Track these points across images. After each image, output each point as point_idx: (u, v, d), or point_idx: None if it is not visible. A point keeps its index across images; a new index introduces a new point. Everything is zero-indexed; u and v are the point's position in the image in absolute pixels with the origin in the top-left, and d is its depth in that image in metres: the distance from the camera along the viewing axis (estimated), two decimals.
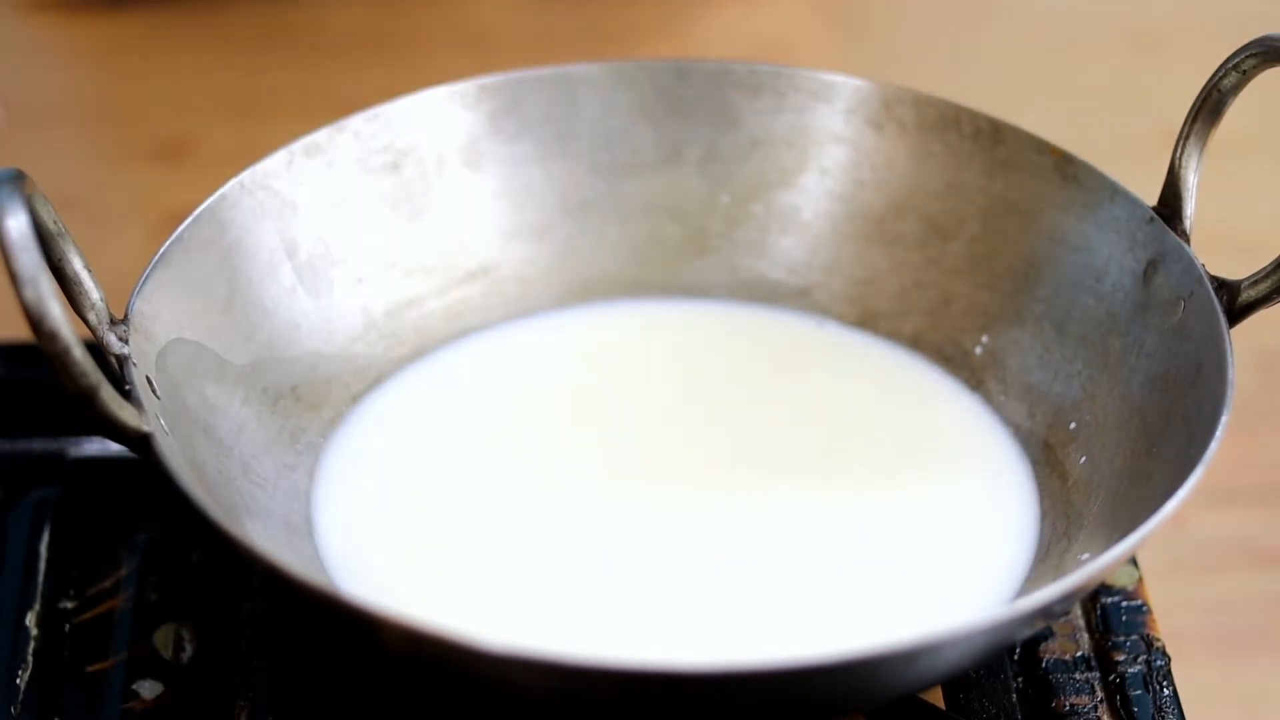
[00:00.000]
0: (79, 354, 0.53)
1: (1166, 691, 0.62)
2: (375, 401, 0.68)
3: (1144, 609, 0.65)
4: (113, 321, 0.59)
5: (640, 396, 0.68)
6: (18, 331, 0.61)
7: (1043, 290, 0.68)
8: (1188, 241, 0.64)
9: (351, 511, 0.63)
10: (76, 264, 0.59)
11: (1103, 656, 0.63)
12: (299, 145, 0.68)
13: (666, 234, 0.73)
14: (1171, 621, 0.66)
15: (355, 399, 0.68)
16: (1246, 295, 0.61)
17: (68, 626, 0.65)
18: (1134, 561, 0.66)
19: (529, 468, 0.65)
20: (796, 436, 0.67)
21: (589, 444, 0.66)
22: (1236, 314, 0.62)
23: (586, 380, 0.69)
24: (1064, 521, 0.63)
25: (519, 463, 0.66)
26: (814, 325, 0.71)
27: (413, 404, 0.68)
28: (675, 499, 0.64)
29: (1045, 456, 0.65)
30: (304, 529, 0.63)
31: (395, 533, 0.63)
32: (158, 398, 0.59)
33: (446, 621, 0.57)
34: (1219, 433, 0.57)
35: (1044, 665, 0.63)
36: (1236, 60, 0.62)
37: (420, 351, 0.70)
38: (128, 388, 0.58)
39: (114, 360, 0.59)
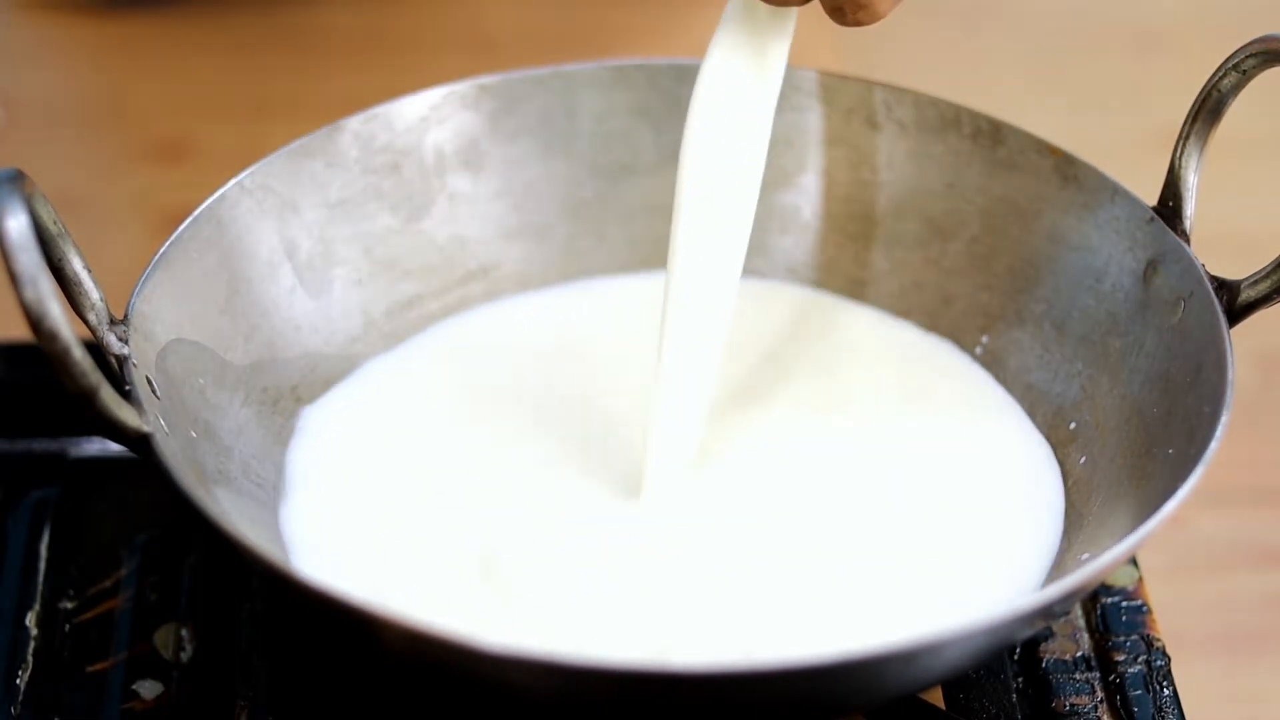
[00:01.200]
0: (79, 354, 0.53)
1: (1166, 691, 0.62)
2: (349, 393, 0.68)
3: (1144, 609, 0.65)
4: (113, 322, 0.59)
5: (635, 382, 0.68)
6: (18, 331, 0.60)
7: (1043, 290, 0.68)
8: (1188, 241, 0.64)
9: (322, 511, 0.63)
10: (76, 264, 0.59)
11: (1103, 656, 0.63)
12: (299, 145, 0.68)
13: (666, 234, 0.73)
14: (1171, 621, 0.67)
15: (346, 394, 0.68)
16: (1246, 295, 0.61)
17: (68, 626, 0.65)
18: (1134, 561, 0.66)
19: (523, 457, 0.65)
20: (801, 425, 0.66)
21: (588, 433, 0.66)
22: (1236, 314, 0.62)
23: (577, 360, 0.69)
24: (1064, 521, 0.63)
25: (513, 451, 0.65)
26: (814, 298, 0.71)
27: (392, 392, 0.68)
28: (673, 490, 0.64)
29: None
30: None
31: (368, 526, 0.63)
32: (158, 398, 0.59)
33: (439, 617, 0.57)
34: (1219, 433, 0.57)
35: (1044, 665, 0.63)
36: (1236, 60, 0.62)
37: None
38: (127, 388, 0.58)
39: (114, 360, 0.59)
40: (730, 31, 0.61)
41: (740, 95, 0.62)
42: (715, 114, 0.62)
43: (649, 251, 0.73)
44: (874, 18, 0.58)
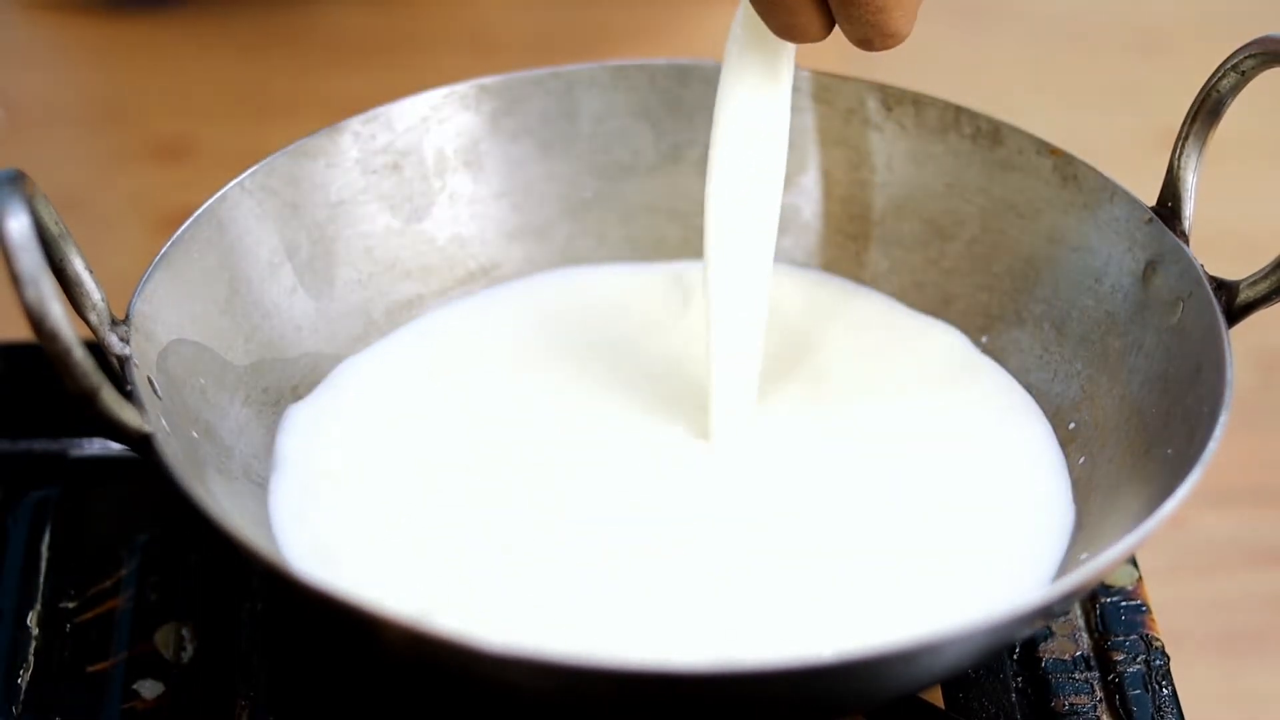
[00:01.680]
0: (80, 354, 0.53)
1: (1165, 691, 0.62)
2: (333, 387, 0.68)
3: (1143, 609, 0.65)
4: (114, 322, 0.59)
5: (634, 370, 0.68)
6: (18, 331, 0.61)
7: (1042, 290, 0.68)
8: (1187, 242, 0.64)
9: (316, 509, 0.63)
10: (78, 265, 0.59)
11: (1102, 656, 0.63)
12: (299, 146, 0.68)
13: (666, 234, 0.73)
14: (1171, 621, 0.67)
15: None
16: (1245, 295, 0.62)
17: (68, 626, 0.65)
18: (1134, 561, 0.66)
19: (523, 450, 0.65)
20: (803, 421, 0.66)
21: (589, 426, 0.66)
22: (1235, 314, 0.62)
23: (575, 348, 0.69)
24: (1068, 522, 0.63)
25: (512, 445, 0.65)
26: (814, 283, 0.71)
27: (380, 385, 0.68)
28: (673, 486, 0.64)
29: None
30: None
31: (359, 520, 0.63)
32: (159, 398, 0.59)
33: (445, 617, 0.57)
34: (1218, 433, 0.57)
35: (1043, 665, 0.63)
36: (1236, 61, 0.62)
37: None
38: (129, 388, 0.58)
39: (115, 361, 0.59)
40: (741, 57, 0.62)
41: (758, 115, 0.63)
42: (739, 140, 0.63)
43: (649, 251, 0.73)
44: (899, 42, 0.58)
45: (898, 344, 0.69)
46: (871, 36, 0.58)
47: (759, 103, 0.62)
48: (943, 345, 0.69)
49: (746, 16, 0.61)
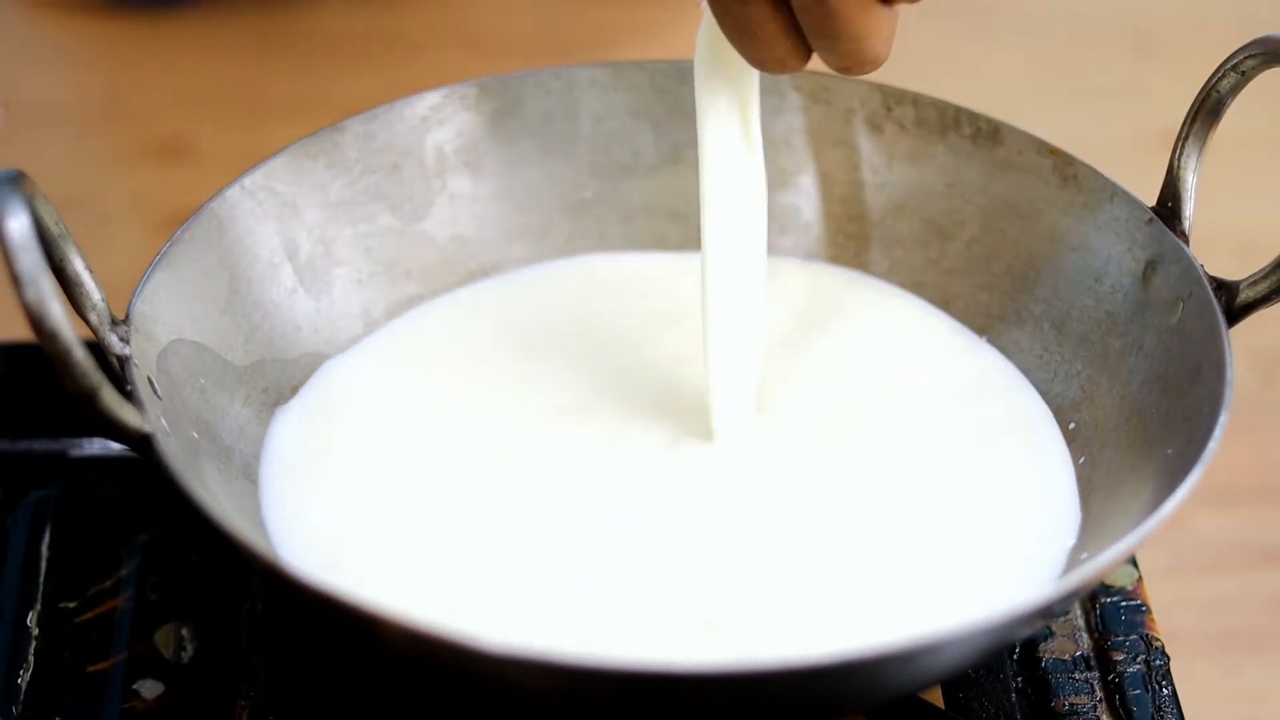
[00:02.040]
0: (80, 354, 0.53)
1: (1165, 691, 0.62)
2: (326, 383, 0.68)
3: (1143, 609, 0.65)
4: (114, 322, 0.59)
5: (633, 366, 0.68)
6: (18, 331, 0.61)
7: (1042, 290, 0.68)
8: (1187, 242, 0.64)
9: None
10: (77, 265, 0.59)
11: (1102, 656, 0.63)
12: (299, 146, 0.68)
13: (667, 234, 0.73)
14: (1170, 621, 0.67)
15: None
16: (1245, 295, 0.62)
17: (68, 626, 0.65)
18: (1133, 561, 0.66)
19: (522, 449, 0.65)
20: (805, 419, 0.66)
21: (591, 424, 0.66)
22: (1235, 314, 0.62)
23: (570, 342, 0.69)
24: (1070, 521, 0.63)
25: (510, 444, 0.65)
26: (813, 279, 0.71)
27: (376, 382, 0.68)
28: (673, 486, 0.63)
29: None
30: None
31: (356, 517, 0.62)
32: (159, 398, 0.59)
33: (447, 617, 0.57)
34: (1218, 433, 0.57)
35: (1043, 665, 0.63)
36: (1236, 61, 0.62)
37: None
38: (129, 388, 0.58)
39: (115, 361, 0.59)
40: (711, 81, 0.62)
41: (736, 131, 0.62)
42: (722, 157, 0.63)
43: (649, 251, 0.73)
44: (877, 67, 0.59)
45: (899, 341, 0.69)
46: (850, 65, 0.58)
47: (734, 120, 0.62)
48: (946, 343, 0.69)
49: (711, 38, 0.61)
